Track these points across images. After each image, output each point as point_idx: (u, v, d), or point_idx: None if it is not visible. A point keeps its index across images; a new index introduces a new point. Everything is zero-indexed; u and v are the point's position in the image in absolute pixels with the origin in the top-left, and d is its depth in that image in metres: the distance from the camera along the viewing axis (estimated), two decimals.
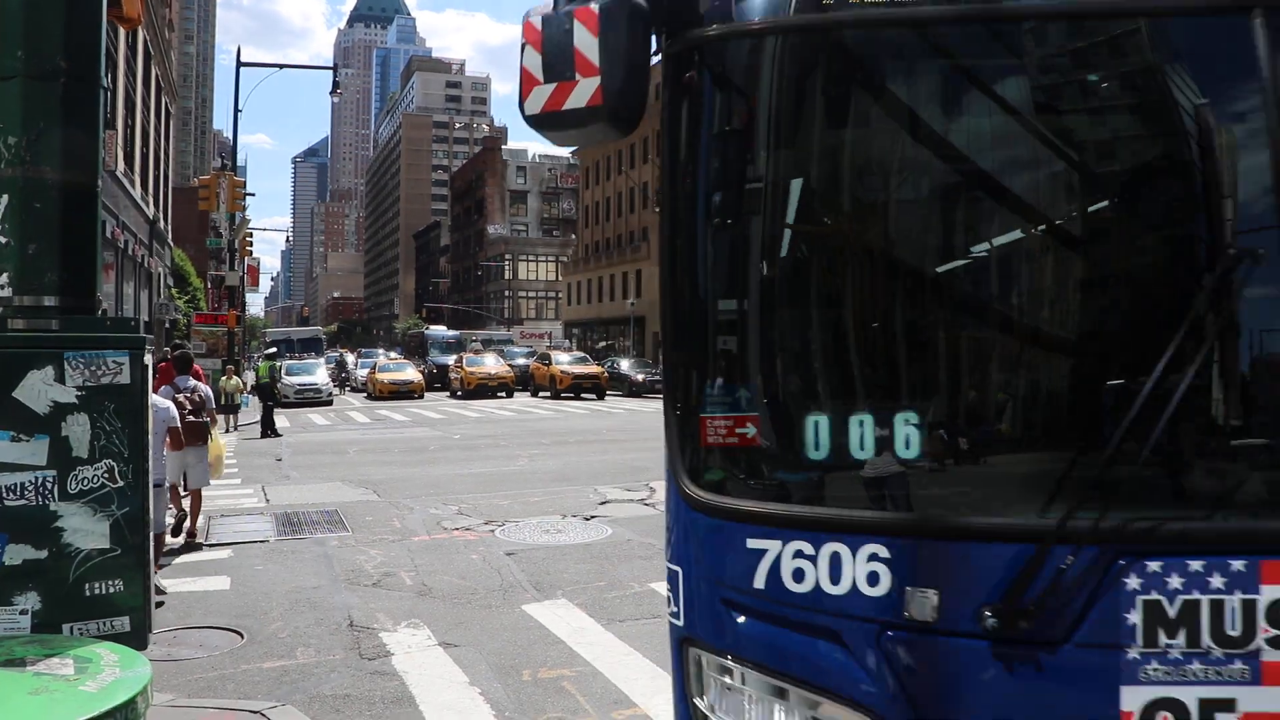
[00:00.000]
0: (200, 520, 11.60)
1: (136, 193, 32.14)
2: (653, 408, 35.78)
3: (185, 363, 11.34)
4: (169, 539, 10.64)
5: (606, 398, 41.78)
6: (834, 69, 2.94)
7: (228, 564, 10.06)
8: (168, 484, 9.66)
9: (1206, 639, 2.28)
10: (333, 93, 41.57)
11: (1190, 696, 2.28)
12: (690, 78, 2.93)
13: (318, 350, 61.06)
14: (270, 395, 25.10)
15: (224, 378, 25.46)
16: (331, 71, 41.80)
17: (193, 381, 11.15)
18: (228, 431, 24.02)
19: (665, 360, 3.23)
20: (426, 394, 43.83)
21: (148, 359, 5.55)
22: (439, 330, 71.57)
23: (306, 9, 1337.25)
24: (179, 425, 9.55)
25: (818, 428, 2.78)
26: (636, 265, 76.58)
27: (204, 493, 11.63)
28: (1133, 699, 2.30)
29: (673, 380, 3.10)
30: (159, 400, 9.09)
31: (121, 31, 25.33)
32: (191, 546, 10.93)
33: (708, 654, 2.93)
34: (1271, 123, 2.34)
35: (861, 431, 2.70)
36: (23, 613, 4.93)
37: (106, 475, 5.17)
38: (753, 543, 2.74)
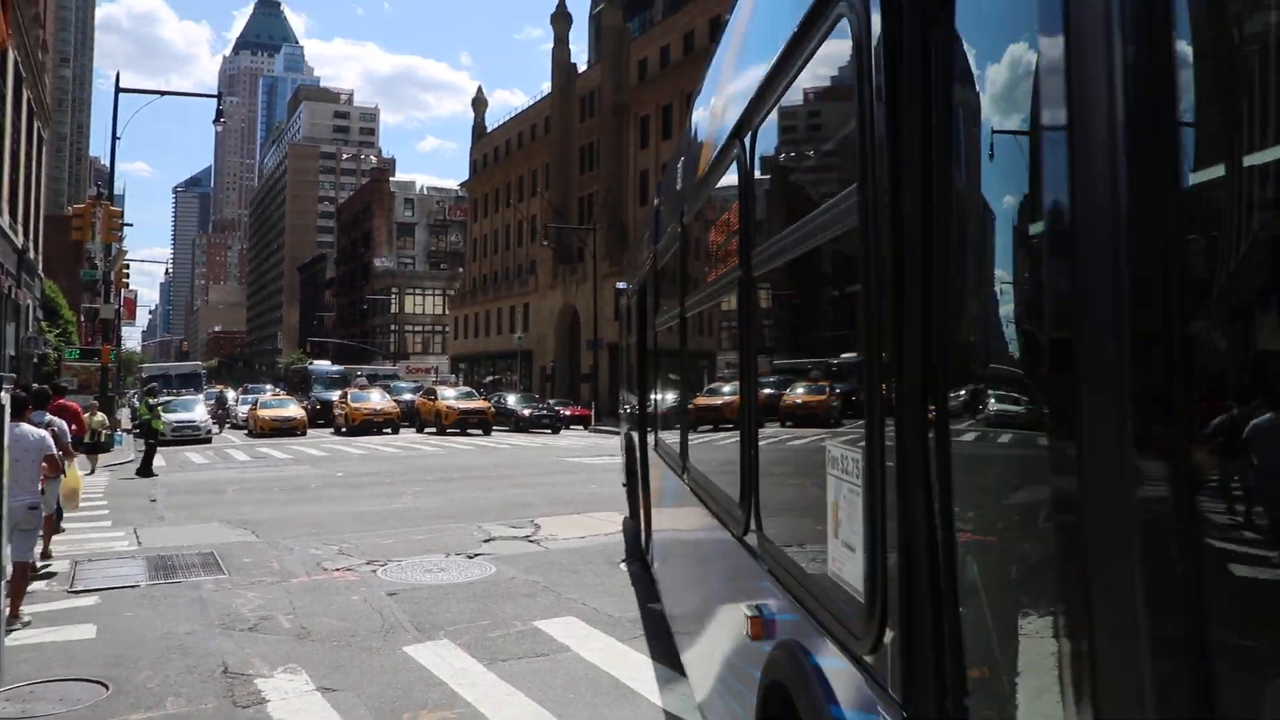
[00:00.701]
0: (65, 565, 11.25)
1: (4, 221, 30.92)
2: (539, 443, 35.68)
3: (42, 398, 11.43)
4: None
5: (493, 433, 41.53)
6: None
7: (94, 611, 9.67)
8: (43, 513, 9.44)
9: None
10: (216, 121, 40.44)
11: None
12: None
13: (197, 386, 59.70)
14: (152, 434, 24.26)
15: (87, 414, 24.46)
16: (216, 99, 40.78)
17: (48, 417, 11.23)
18: (92, 472, 23.12)
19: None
20: (310, 430, 42.85)
21: (4, 396, 5.37)
22: (323, 365, 70.27)
23: (191, 35, 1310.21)
24: (54, 453, 9.32)
25: None
26: (525, 299, 76.42)
27: (71, 536, 11.38)
28: None
29: None
30: (33, 430, 9.18)
31: None
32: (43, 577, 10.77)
33: None
34: None
35: None
36: None
37: None
38: None
